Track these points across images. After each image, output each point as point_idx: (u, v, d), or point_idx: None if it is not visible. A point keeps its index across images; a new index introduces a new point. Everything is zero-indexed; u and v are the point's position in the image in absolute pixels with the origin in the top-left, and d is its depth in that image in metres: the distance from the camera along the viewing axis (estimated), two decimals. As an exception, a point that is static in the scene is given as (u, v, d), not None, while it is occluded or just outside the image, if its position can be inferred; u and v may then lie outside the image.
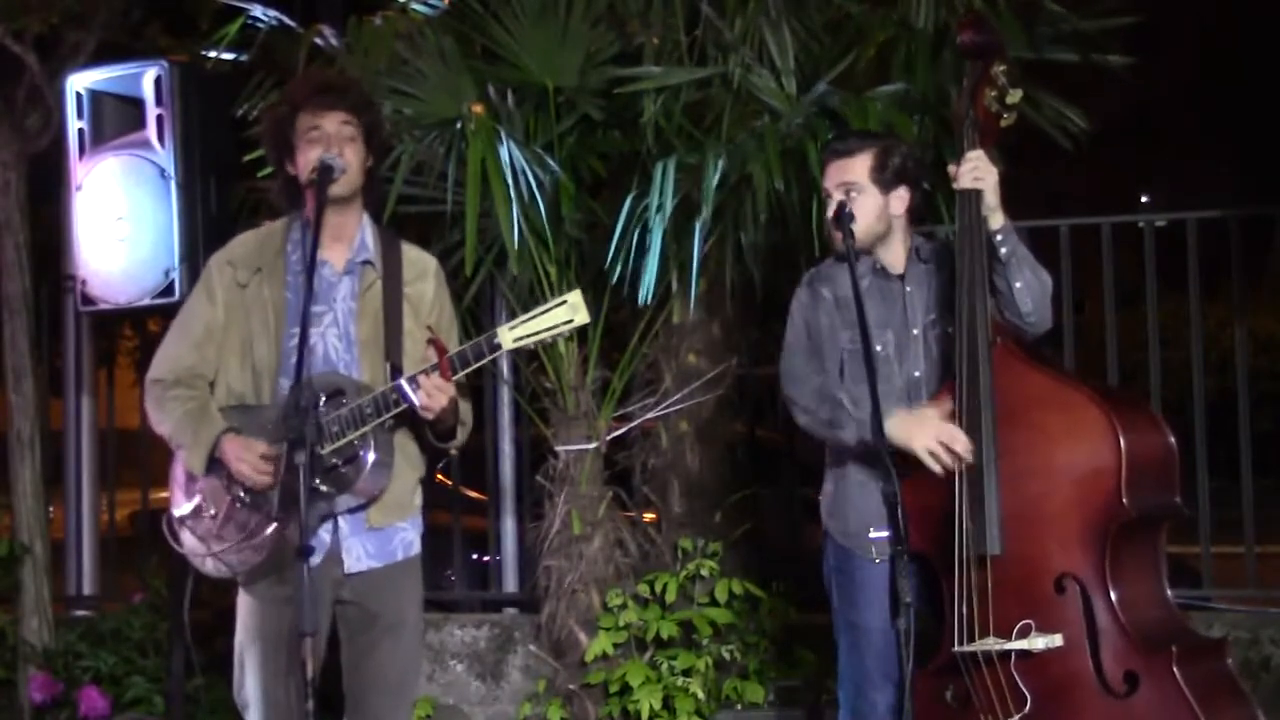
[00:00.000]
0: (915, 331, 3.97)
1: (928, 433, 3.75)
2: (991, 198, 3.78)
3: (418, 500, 3.90)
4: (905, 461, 3.73)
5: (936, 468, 3.74)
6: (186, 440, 3.76)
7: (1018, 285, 3.80)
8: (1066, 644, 3.64)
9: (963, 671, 3.71)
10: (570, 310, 3.61)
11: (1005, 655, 3.66)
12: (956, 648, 3.69)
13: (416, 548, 3.89)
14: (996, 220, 3.79)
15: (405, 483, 3.82)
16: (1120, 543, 3.65)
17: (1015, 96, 3.83)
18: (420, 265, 3.91)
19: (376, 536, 3.79)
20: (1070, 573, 3.66)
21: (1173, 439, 3.85)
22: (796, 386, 4.00)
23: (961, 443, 3.71)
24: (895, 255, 4.00)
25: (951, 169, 3.84)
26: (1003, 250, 3.79)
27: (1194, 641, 3.86)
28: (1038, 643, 3.63)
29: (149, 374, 3.87)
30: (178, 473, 3.83)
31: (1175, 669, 3.55)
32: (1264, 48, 14.12)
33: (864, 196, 3.93)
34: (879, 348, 3.92)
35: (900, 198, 3.98)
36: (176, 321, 3.92)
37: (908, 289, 3.98)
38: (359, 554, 3.77)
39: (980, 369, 3.73)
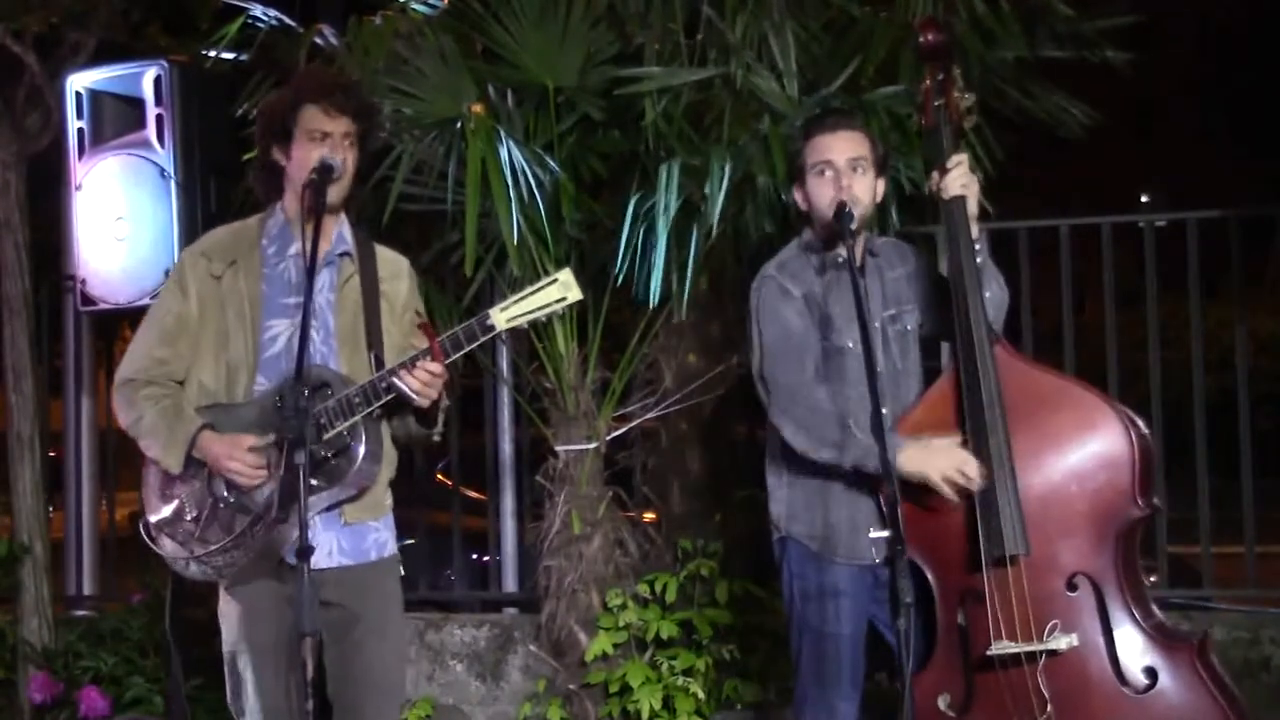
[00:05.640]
0: (875, 325, 3.90)
1: (941, 462, 3.68)
2: (973, 205, 3.77)
3: (388, 500, 3.86)
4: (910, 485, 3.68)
5: (952, 495, 3.69)
6: (161, 438, 3.69)
7: (987, 295, 3.79)
8: (1082, 643, 3.62)
9: (995, 673, 3.67)
10: (562, 288, 3.57)
11: (1026, 656, 3.63)
12: (993, 650, 3.64)
13: (391, 549, 3.85)
14: (973, 229, 3.77)
15: (380, 481, 3.80)
16: (1128, 541, 3.67)
17: (971, 99, 3.83)
18: (395, 265, 3.89)
19: (350, 534, 3.76)
20: (1082, 571, 3.64)
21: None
22: (788, 399, 3.83)
23: (974, 467, 3.66)
24: (860, 248, 3.95)
25: (934, 176, 3.81)
26: (978, 259, 3.77)
27: (1200, 636, 3.82)
28: (1059, 643, 3.60)
29: (118, 374, 3.79)
30: (150, 478, 3.77)
31: (1197, 662, 3.58)
32: (1265, 46, 14.12)
33: (868, 175, 3.89)
34: (850, 343, 3.85)
35: (880, 186, 3.97)
36: (146, 318, 3.85)
37: (864, 282, 3.90)
38: (330, 549, 3.72)
39: (984, 371, 3.69)
